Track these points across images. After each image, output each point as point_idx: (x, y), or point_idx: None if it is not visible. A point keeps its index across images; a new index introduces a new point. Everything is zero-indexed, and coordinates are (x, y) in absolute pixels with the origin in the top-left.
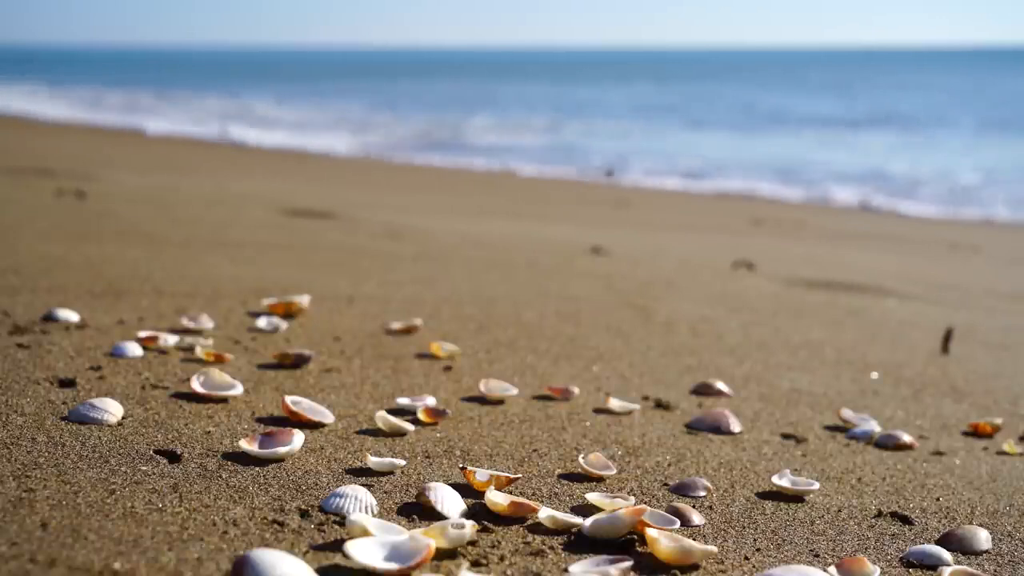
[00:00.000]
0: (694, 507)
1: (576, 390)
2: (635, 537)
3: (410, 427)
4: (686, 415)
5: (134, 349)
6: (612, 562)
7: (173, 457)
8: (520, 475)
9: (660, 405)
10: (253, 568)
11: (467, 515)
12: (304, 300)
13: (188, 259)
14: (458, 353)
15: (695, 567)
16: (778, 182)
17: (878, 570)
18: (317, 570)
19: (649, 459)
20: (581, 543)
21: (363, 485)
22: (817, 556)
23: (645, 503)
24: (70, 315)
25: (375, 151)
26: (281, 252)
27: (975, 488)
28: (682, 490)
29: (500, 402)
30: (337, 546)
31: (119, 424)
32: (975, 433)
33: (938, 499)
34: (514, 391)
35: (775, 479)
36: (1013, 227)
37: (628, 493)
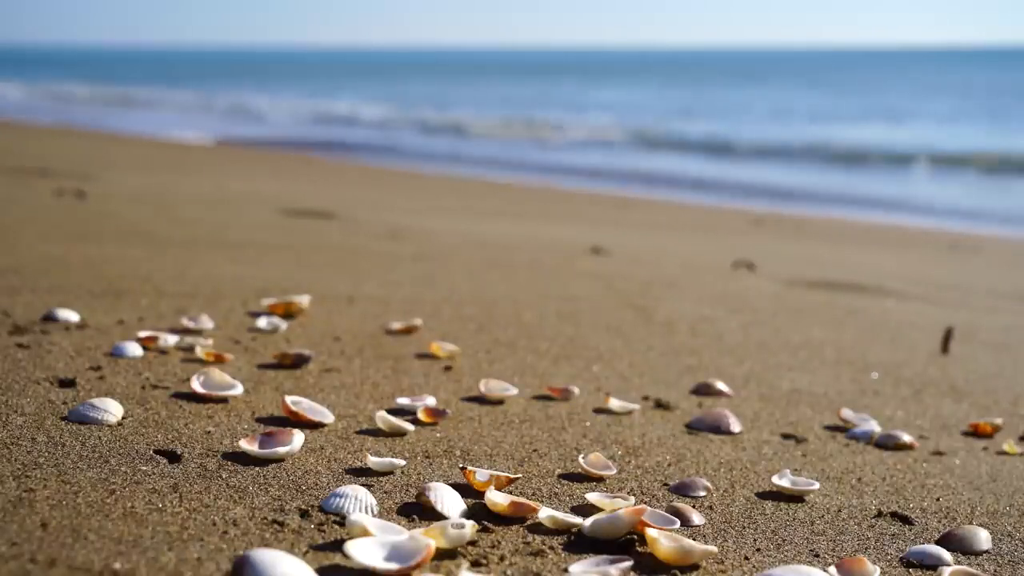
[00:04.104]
0: (694, 507)
1: (576, 390)
2: (635, 537)
3: (410, 427)
4: (686, 415)
5: (134, 349)
6: (612, 562)
7: (173, 457)
8: (520, 475)
9: (660, 405)
10: (253, 568)
11: (467, 515)
12: (304, 300)
13: (188, 259)
14: (458, 353)
15: (695, 567)
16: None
17: (878, 570)
18: (317, 570)
19: (649, 459)
20: (581, 543)
21: (363, 485)
22: (817, 556)
23: (645, 503)
24: (70, 315)
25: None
26: (281, 252)
27: (975, 488)
28: (682, 490)
29: (500, 402)
30: (337, 546)
31: (119, 424)
32: (975, 433)
33: (938, 499)
34: (514, 391)
35: (775, 479)
36: (1013, 227)
37: (628, 493)
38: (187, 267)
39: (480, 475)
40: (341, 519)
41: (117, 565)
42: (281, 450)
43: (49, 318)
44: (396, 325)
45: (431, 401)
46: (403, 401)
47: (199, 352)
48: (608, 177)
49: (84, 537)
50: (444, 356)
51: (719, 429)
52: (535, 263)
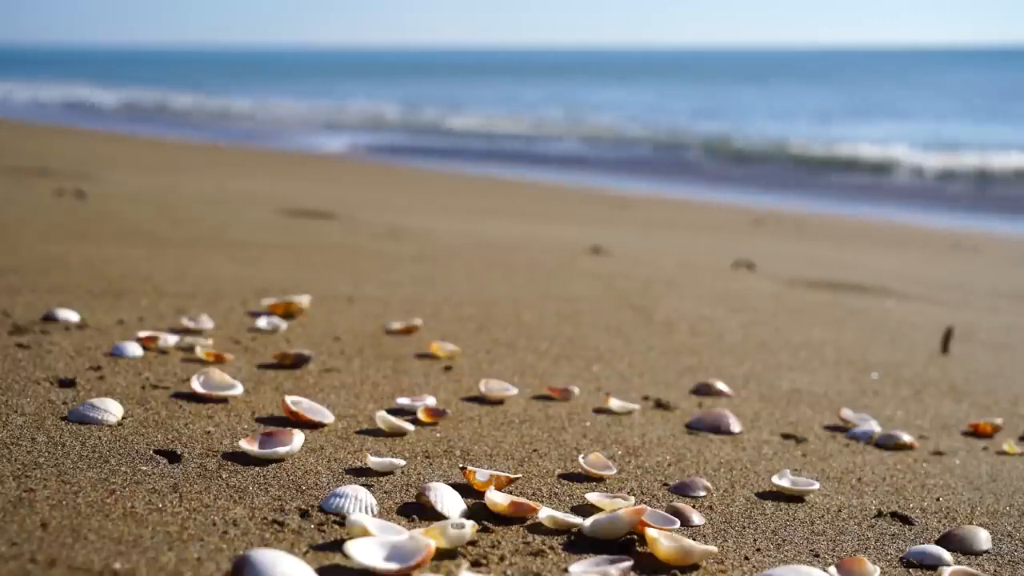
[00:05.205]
0: (694, 507)
1: (576, 390)
2: (635, 537)
3: (410, 427)
4: (686, 415)
5: (134, 349)
6: (612, 562)
7: (173, 457)
8: (520, 475)
9: (660, 405)
10: (253, 568)
11: (467, 515)
12: (304, 300)
13: (188, 259)
14: (458, 353)
15: (695, 567)
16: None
17: (878, 570)
18: (317, 570)
19: (649, 459)
20: (581, 543)
21: (363, 485)
22: (817, 556)
23: (645, 503)
24: (70, 315)
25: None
26: (281, 252)
27: (975, 488)
28: (682, 490)
29: (500, 402)
30: (337, 546)
31: (119, 424)
32: (975, 433)
33: (938, 499)
34: (514, 391)
35: (775, 479)
36: (1013, 227)
37: (628, 493)
38: (187, 267)
39: (480, 475)
40: (341, 519)
41: (117, 565)
42: (281, 450)
43: (49, 318)
44: (396, 325)
45: (431, 401)
46: (403, 401)
47: (199, 352)
48: (608, 175)
49: (84, 537)
50: (444, 356)
51: (719, 429)
52: (535, 263)
